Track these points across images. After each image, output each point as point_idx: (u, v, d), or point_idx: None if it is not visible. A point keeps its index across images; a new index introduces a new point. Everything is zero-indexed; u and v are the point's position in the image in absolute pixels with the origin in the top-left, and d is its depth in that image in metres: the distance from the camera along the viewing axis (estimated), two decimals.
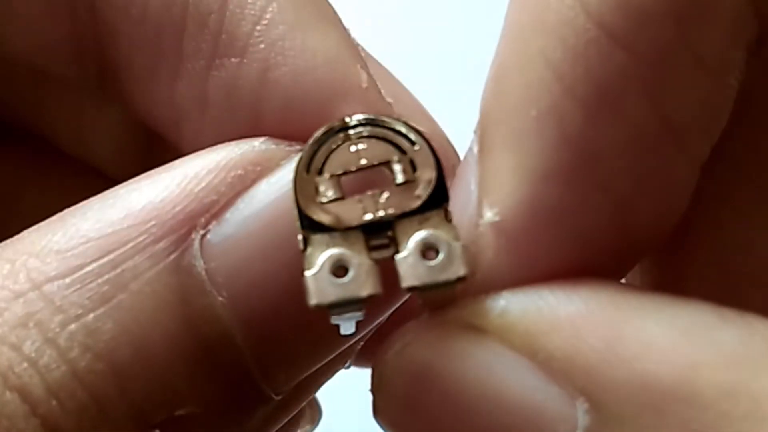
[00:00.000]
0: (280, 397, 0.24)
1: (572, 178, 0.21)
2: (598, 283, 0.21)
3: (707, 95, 0.22)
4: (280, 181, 0.23)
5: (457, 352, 0.21)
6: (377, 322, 0.26)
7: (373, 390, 0.23)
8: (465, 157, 0.24)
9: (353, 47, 0.26)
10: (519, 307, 0.21)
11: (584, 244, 0.22)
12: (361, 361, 0.28)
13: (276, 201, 0.23)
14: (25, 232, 0.23)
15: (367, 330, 0.26)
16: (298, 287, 0.21)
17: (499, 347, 0.21)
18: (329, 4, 0.27)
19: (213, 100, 0.26)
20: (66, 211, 0.23)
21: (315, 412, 0.35)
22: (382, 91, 0.26)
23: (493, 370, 0.21)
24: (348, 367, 0.28)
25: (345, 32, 0.27)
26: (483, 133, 0.23)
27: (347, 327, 0.24)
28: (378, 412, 0.23)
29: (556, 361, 0.20)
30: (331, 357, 0.25)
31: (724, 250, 0.26)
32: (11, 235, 0.33)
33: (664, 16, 0.21)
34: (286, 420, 0.26)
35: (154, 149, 0.34)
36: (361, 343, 0.27)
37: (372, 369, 0.23)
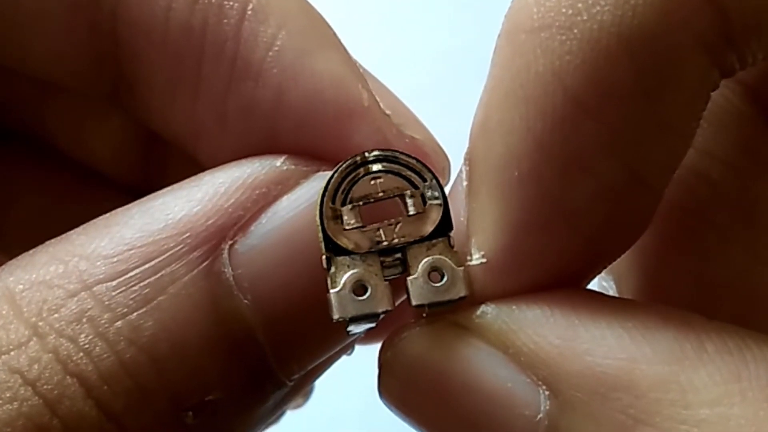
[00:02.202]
0: (292, 383, 0.27)
1: (547, 227, 0.25)
2: (562, 291, 0.26)
3: (672, 146, 0.26)
4: (299, 199, 0.27)
5: (444, 345, 0.26)
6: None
7: (378, 375, 0.27)
8: (455, 185, 0.28)
9: (354, 68, 0.30)
10: (494, 311, 0.25)
11: (555, 271, 0.26)
12: (367, 339, 0.32)
13: (295, 217, 0.26)
14: (73, 234, 0.26)
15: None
16: (313, 291, 0.26)
17: (477, 342, 0.25)
18: (331, 29, 0.31)
19: (232, 118, 0.30)
20: (109, 216, 0.26)
21: (307, 388, 0.38)
22: (381, 104, 0.30)
23: (472, 360, 0.25)
24: (350, 354, 0.31)
25: (346, 54, 0.30)
26: (472, 178, 0.27)
27: (356, 331, 0.28)
28: (383, 393, 0.27)
29: (524, 355, 0.25)
30: (338, 349, 0.29)
31: (700, 260, 0.30)
32: (9, 234, 0.36)
33: (633, 91, 0.24)
34: (293, 401, 0.30)
35: (154, 153, 0.38)
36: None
37: (378, 359, 0.27)
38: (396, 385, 0.27)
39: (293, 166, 0.27)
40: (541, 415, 0.24)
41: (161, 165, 0.38)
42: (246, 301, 0.25)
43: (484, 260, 0.26)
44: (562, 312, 0.25)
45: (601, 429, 0.23)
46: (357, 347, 0.32)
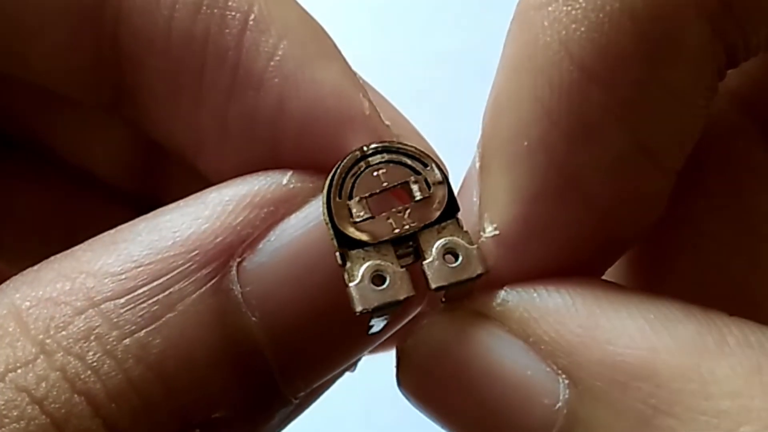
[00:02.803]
0: (297, 401, 0.27)
1: (559, 197, 0.25)
2: (583, 280, 0.26)
3: (679, 119, 0.26)
4: (307, 217, 0.27)
5: (465, 333, 0.26)
6: (393, 330, 0.29)
7: (397, 366, 0.27)
8: (469, 171, 0.28)
9: (354, 78, 0.30)
10: (515, 298, 0.26)
11: (570, 248, 0.26)
12: (381, 348, 0.32)
13: (303, 235, 0.26)
14: (78, 250, 0.26)
15: (382, 339, 0.29)
16: (320, 309, 0.26)
17: (498, 330, 0.26)
18: (330, 39, 0.31)
19: (233, 127, 0.29)
20: (115, 233, 0.26)
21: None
22: (381, 115, 0.30)
23: (493, 348, 0.25)
24: (353, 371, 0.31)
25: (346, 65, 0.30)
26: (483, 155, 0.27)
27: (377, 326, 0.28)
28: (401, 382, 0.27)
29: (544, 344, 0.25)
30: (343, 367, 0.29)
31: (699, 271, 0.31)
32: (9, 242, 0.35)
33: (638, 57, 0.24)
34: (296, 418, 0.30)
35: (155, 162, 0.37)
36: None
37: (396, 348, 0.27)
38: (415, 374, 0.27)
39: (299, 184, 0.27)
40: (560, 404, 0.24)
41: (163, 174, 0.38)
42: (254, 318, 0.25)
43: (496, 232, 0.26)
44: (584, 301, 0.25)
45: (621, 418, 0.23)
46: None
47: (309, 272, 0.26)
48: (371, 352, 0.31)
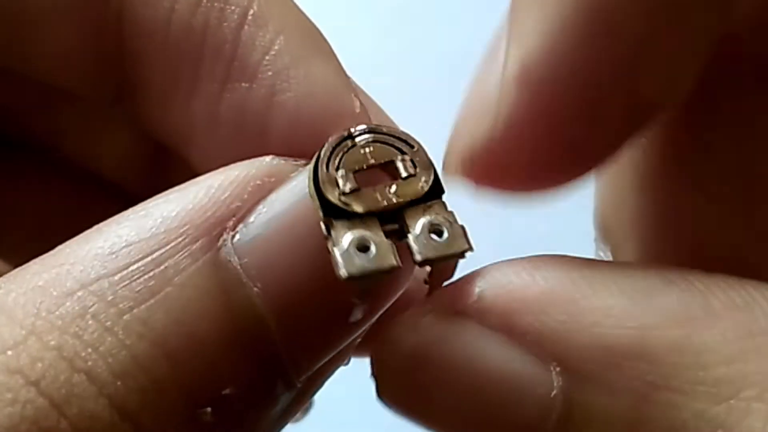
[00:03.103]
0: (299, 386, 0.27)
1: (587, 34, 0.24)
2: (557, 262, 0.26)
3: None
4: (294, 189, 0.26)
5: (444, 334, 0.25)
6: (379, 313, 0.29)
7: (374, 374, 0.26)
8: (496, 33, 0.27)
9: (347, 78, 0.30)
10: (492, 292, 0.25)
11: (595, 98, 0.25)
12: (359, 351, 0.31)
13: (294, 205, 0.26)
14: (62, 246, 0.25)
15: (369, 324, 0.29)
16: (319, 277, 0.25)
17: (478, 328, 0.25)
18: (325, 39, 0.31)
19: (224, 119, 0.30)
20: (100, 225, 0.26)
21: (308, 402, 0.37)
22: (371, 116, 0.30)
23: (475, 347, 0.25)
24: (347, 364, 0.31)
25: (340, 65, 0.31)
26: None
27: (357, 313, 0.27)
28: (381, 393, 0.26)
29: (529, 335, 0.24)
30: (341, 348, 0.28)
31: (698, 235, 0.31)
32: (13, 241, 0.35)
33: None
34: (296, 413, 0.29)
35: (161, 159, 0.37)
36: (359, 341, 0.30)
37: (371, 356, 0.26)
38: (396, 384, 0.26)
39: (283, 161, 0.27)
40: (555, 392, 0.24)
41: (167, 173, 0.38)
42: (256, 289, 0.25)
43: (518, 65, 0.25)
44: (562, 286, 0.24)
45: (619, 398, 0.23)
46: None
47: (304, 241, 0.26)
48: (357, 353, 0.31)
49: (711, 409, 0.22)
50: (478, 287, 0.25)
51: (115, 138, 0.37)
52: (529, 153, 0.26)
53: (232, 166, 0.27)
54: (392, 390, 0.26)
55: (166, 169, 0.38)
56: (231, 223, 0.25)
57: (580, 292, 0.24)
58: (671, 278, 0.24)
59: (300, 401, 0.28)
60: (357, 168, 0.26)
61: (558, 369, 0.24)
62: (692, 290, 0.24)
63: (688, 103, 0.28)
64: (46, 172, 0.37)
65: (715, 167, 0.30)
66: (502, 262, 0.26)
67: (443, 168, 0.28)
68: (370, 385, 0.27)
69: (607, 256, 0.33)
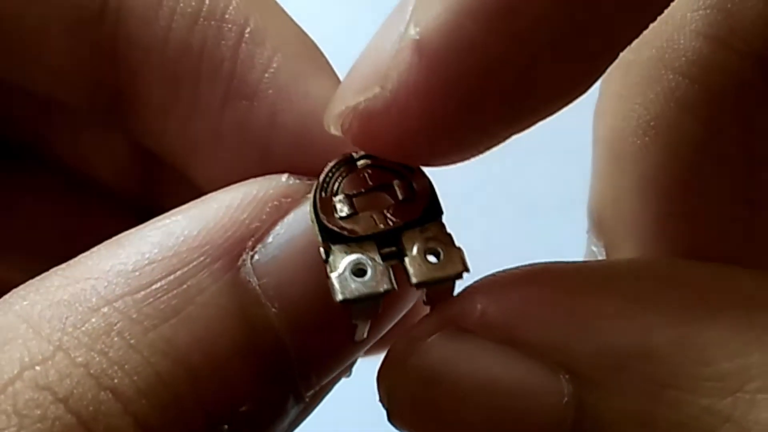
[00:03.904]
0: (307, 400, 0.27)
1: (490, 21, 0.23)
2: (553, 270, 0.26)
3: None
4: (307, 211, 0.27)
5: (451, 353, 0.26)
6: (383, 332, 0.29)
7: (384, 400, 0.27)
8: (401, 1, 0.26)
9: None
10: (494, 307, 0.26)
11: (490, 77, 0.24)
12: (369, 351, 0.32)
13: (307, 227, 0.27)
14: (82, 258, 0.26)
15: (373, 341, 0.30)
16: (330, 295, 0.26)
17: (485, 343, 0.25)
18: (322, 54, 0.32)
19: (226, 136, 0.30)
20: (119, 237, 0.26)
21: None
22: None
23: (483, 362, 0.25)
24: (349, 376, 0.31)
25: (337, 79, 0.31)
26: None
27: (361, 333, 0.28)
28: (393, 417, 0.27)
29: (535, 346, 0.25)
30: (347, 364, 0.29)
31: (696, 237, 0.31)
32: (9, 244, 0.35)
33: None
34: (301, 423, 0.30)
35: (155, 168, 0.38)
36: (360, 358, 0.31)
37: (378, 382, 0.27)
38: (408, 408, 0.26)
39: (298, 181, 0.28)
40: (567, 399, 0.24)
41: (162, 181, 0.38)
42: (274, 309, 0.26)
43: (417, 36, 0.24)
44: (560, 295, 0.25)
45: (630, 399, 0.24)
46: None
47: (317, 262, 0.26)
48: (366, 353, 0.32)
49: (718, 403, 0.23)
50: (480, 303, 0.26)
51: (110, 146, 0.37)
52: (410, 122, 0.25)
53: (248, 182, 0.28)
54: (405, 414, 0.26)
55: (162, 176, 0.38)
56: (250, 243, 0.26)
57: (580, 298, 0.25)
58: (668, 275, 0.25)
59: (306, 412, 0.29)
60: (355, 192, 0.27)
61: (567, 376, 0.24)
62: (687, 287, 0.25)
63: (691, 105, 0.29)
64: (42, 178, 0.37)
65: (716, 170, 0.31)
66: (498, 273, 0.27)
67: (324, 122, 0.27)
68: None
69: (600, 250, 0.34)
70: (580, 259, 0.35)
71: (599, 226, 0.33)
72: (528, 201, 0.73)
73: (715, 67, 0.29)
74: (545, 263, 0.27)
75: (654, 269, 0.26)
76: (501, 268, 0.27)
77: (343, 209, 0.27)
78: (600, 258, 0.33)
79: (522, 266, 0.27)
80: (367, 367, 0.30)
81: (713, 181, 0.31)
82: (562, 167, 0.65)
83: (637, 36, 0.25)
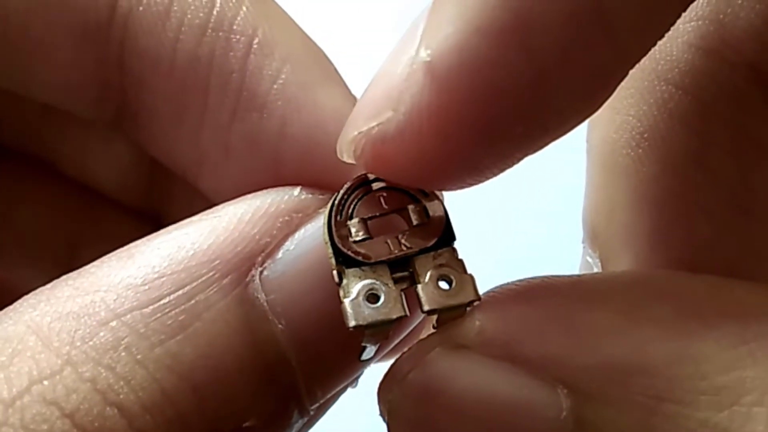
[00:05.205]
0: (311, 413, 0.27)
1: (501, 37, 0.23)
2: (549, 285, 0.26)
3: None
4: (319, 227, 0.27)
5: (450, 369, 0.26)
6: (389, 348, 0.30)
7: (384, 414, 0.27)
8: (413, 22, 0.26)
9: (354, 102, 0.31)
10: (492, 324, 0.26)
11: (500, 96, 0.24)
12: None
13: (318, 245, 0.27)
14: (91, 267, 0.26)
15: (379, 357, 0.30)
16: (337, 314, 0.26)
17: (483, 359, 0.26)
18: (332, 64, 0.32)
19: (236, 148, 0.30)
20: (129, 248, 0.26)
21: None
22: None
23: (482, 378, 0.25)
24: (355, 386, 0.32)
25: (347, 89, 0.31)
26: None
27: (368, 353, 0.28)
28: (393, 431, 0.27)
29: (533, 362, 0.25)
30: (352, 378, 0.29)
31: (692, 249, 0.31)
32: (11, 250, 0.35)
33: None
34: None
35: (159, 176, 0.38)
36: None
37: (379, 396, 0.27)
38: (408, 423, 0.26)
39: (310, 195, 0.28)
40: (565, 413, 0.24)
41: (166, 190, 0.38)
42: (280, 326, 0.26)
43: (428, 58, 0.24)
44: (557, 311, 0.25)
45: (626, 413, 0.24)
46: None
47: (326, 280, 0.26)
48: (381, 358, 0.32)
49: (714, 416, 0.23)
50: (478, 320, 0.26)
51: (114, 155, 0.37)
52: (423, 145, 0.25)
53: (259, 194, 0.28)
54: (404, 428, 0.26)
55: (166, 185, 0.38)
56: (260, 258, 0.26)
57: (574, 316, 0.25)
58: (663, 289, 0.25)
59: (309, 425, 0.29)
60: (370, 215, 0.27)
61: (565, 391, 0.24)
62: (682, 300, 0.25)
63: (684, 116, 0.29)
64: (46, 185, 0.37)
65: (710, 180, 0.31)
66: (496, 289, 0.27)
67: (337, 151, 0.27)
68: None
69: (595, 261, 0.34)
70: (576, 269, 0.35)
71: (594, 237, 0.34)
72: (524, 210, 0.73)
73: (707, 77, 0.30)
74: (541, 278, 0.27)
75: (649, 282, 0.26)
76: (497, 271, 0.27)
77: (358, 233, 0.27)
78: (595, 269, 0.34)
79: (519, 281, 0.27)
80: (369, 377, 0.31)
81: (707, 191, 0.31)
82: (557, 176, 0.65)
83: (648, 51, 0.25)
